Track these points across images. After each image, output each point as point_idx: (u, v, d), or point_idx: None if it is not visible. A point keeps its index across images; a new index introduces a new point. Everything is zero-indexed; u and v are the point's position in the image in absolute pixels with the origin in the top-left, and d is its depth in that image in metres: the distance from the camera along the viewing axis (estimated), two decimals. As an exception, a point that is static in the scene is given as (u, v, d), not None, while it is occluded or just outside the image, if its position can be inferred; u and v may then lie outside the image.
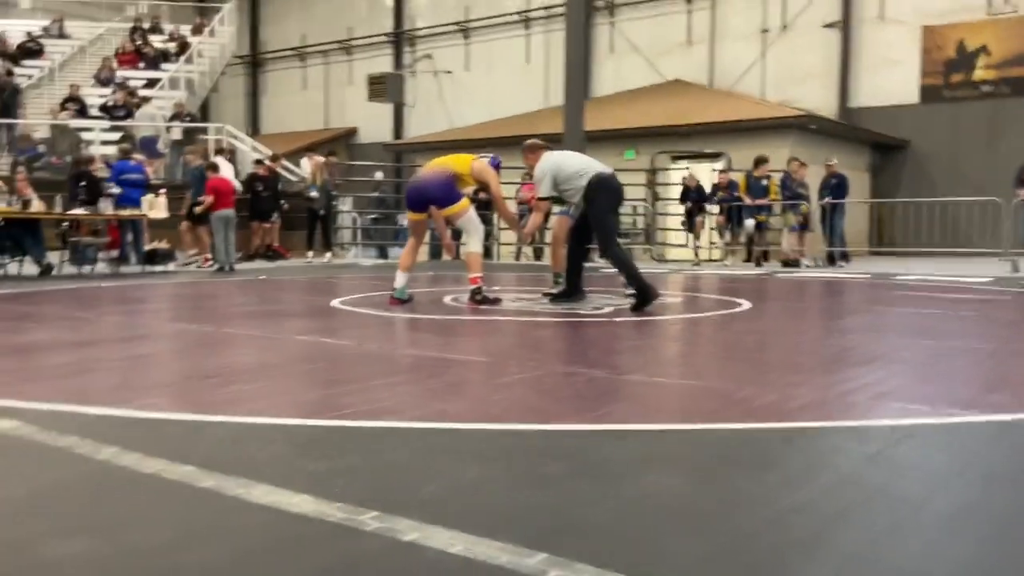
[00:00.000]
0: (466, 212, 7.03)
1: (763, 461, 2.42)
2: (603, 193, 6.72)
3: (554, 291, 7.34)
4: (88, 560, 1.69)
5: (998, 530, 1.88)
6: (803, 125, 17.96)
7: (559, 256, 7.63)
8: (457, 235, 8.79)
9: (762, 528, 1.87)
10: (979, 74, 19.51)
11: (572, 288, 7.00)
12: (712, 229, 15.64)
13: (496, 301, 6.91)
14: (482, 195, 7.88)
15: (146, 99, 17.69)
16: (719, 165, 16.52)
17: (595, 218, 6.75)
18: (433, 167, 7.19)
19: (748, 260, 15.23)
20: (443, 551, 1.72)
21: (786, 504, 2.02)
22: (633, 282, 6.50)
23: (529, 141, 7.36)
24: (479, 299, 6.81)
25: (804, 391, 3.38)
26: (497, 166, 7.26)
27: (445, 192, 7.00)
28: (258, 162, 15.32)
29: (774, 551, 1.74)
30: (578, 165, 6.88)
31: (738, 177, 15.17)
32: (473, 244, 7.13)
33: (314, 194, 14.61)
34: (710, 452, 2.54)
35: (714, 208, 15.36)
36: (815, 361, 4.24)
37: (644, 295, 6.35)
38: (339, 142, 29.23)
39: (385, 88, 26.21)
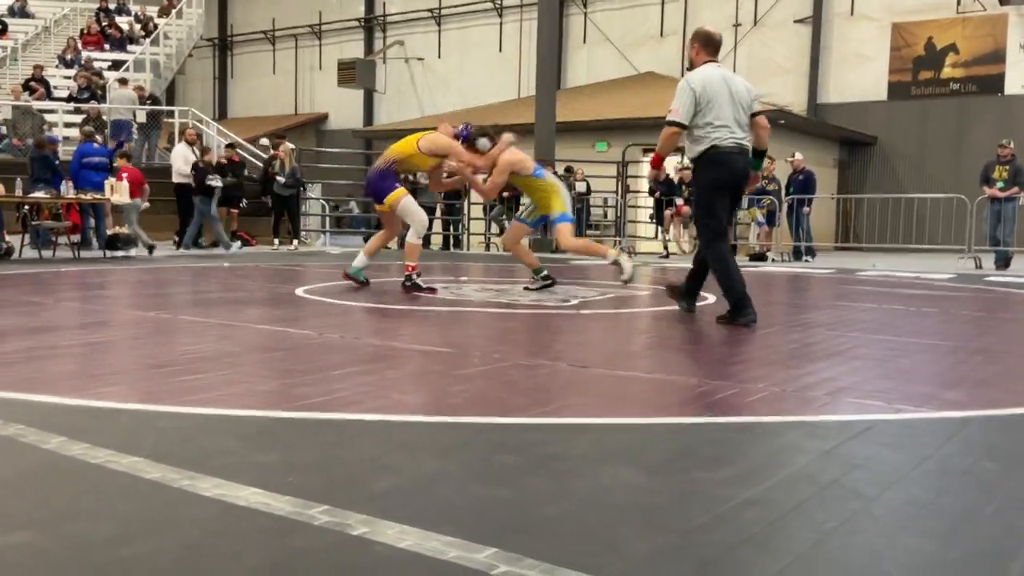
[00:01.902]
0: (400, 201, 6.96)
1: (719, 455, 2.42)
2: (708, 170, 5.32)
3: (533, 286, 7.31)
4: (29, 553, 1.64)
5: (951, 525, 1.89)
6: (771, 120, 18.06)
7: (526, 256, 7.63)
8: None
9: (715, 523, 1.86)
10: (947, 72, 19.74)
11: (685, 296, 5.86)
12: (679, 219, 15.69)
13: (431, 291, 6.95)
14: (447, 180, 7.61)
15: (123, 81, 17.35)
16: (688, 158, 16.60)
17: (695, 201, 5.64)
18: (381, 157, 7.16)
19: (716, 253, 15.31)
20: (392, 546, 1.69)
21: (741, 499, 2.02)
22: (729, 293, 5.32)
23: (704, 29, 5.59)
24: (409, 286, 6.86)
25: (763, 386, 3.39)
26: (467, 137, 7.10)
27: (378, 184, 7.00)
28: (229, 146, 15.15)
29: (727, 546, 1.74)
30: (725, 117, 5.23)
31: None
32: (410, 233, 7.10)
33: (281, 179, 14.47)
34: (667, 446, 2.53)
35: (680, 201, 15.42)
36: (776, 356, 4.25)
37: (739, 310, 5.25)
38: (309, 128, 29.01)
39: (355, 74, 26.03)
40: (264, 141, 15.28)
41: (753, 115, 5.38)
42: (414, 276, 6.94)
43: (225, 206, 14.27)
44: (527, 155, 7.29)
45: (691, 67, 5.43)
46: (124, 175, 11.98)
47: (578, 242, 7.43)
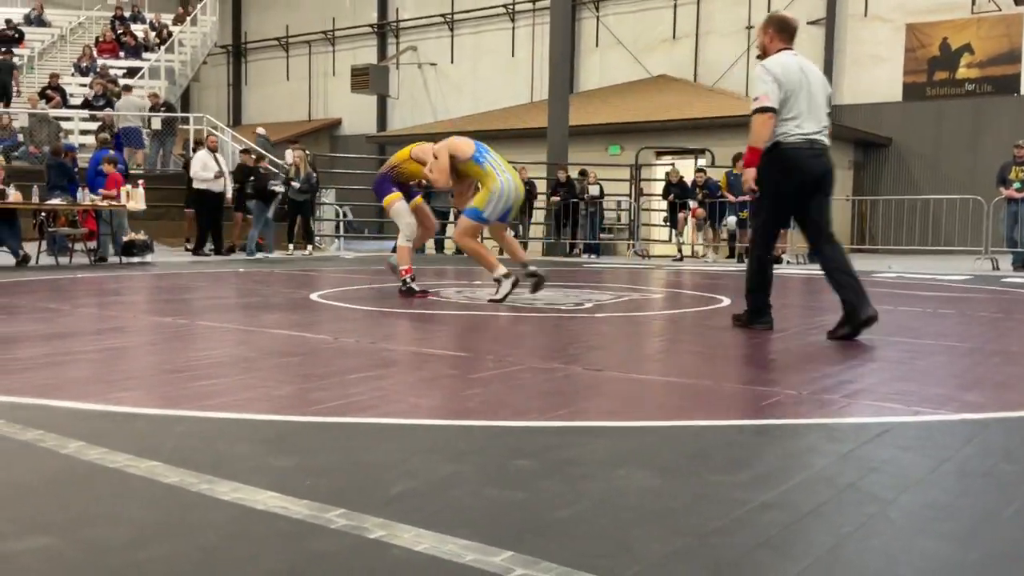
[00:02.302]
0: (393, 205, 7.15)
1: (735, 458, 2.41)
2: (769, 169, 4.84)
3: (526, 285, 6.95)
4: (48, 557, 1.66)
5: (969, 528, 1.88)
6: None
7: (512, 247, 7.30)
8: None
9: (732, 526, 1.86)
10: (962, 72, 19.62)
11: (754, 308, 5.19)
12: (694, 221, 15.66)
13: (424, 294, 7.06)
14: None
15: (127, 88, 17.53)
16: (703, 161, 16.56)
17: (760, 203, 5.09)
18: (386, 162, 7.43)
19: (730, 256, 15.28)
20: (409, 549, 1.69)
21: (757, 502, 2.01)
22: (752, 297, 5.12)
23: (779, 14, 5.23)
24: (404, 290, 6.99)
25: (779, 388, 3.38)
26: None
27: (378, 187, 7.30)
28: (244, 152, 15.23)
29: (743, 549, 1.73)
30: (798, 109, 4.79)
31: (719, 175, 15.20)
32: (400, 237, 7.23)
33: (296, 185, 14.53)
34: (682, 449, 2.52)
35: (694, 204, 15.39)
36: (791, 358, 4.24)
37: (757, 314, 5.10)
38: (323, 133, 29.12)
39: (368, 79, 26.12)
40: (288, 152, 15.37)
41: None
42: (408, 280, 7.03)
43: (242, 211, 14.36)
44: (471, 141, 6.94)
45: (763, 55, 4.97)
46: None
47: (472, 243, 6.85)
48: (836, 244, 4.95)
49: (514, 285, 6.61)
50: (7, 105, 17.36)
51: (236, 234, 14.62)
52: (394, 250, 7.33)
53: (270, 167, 15.80)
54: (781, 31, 4.97)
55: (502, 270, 6.65)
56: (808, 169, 4.79)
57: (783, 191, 4.86)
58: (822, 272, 4.97)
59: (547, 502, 2.00)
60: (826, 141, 4.86)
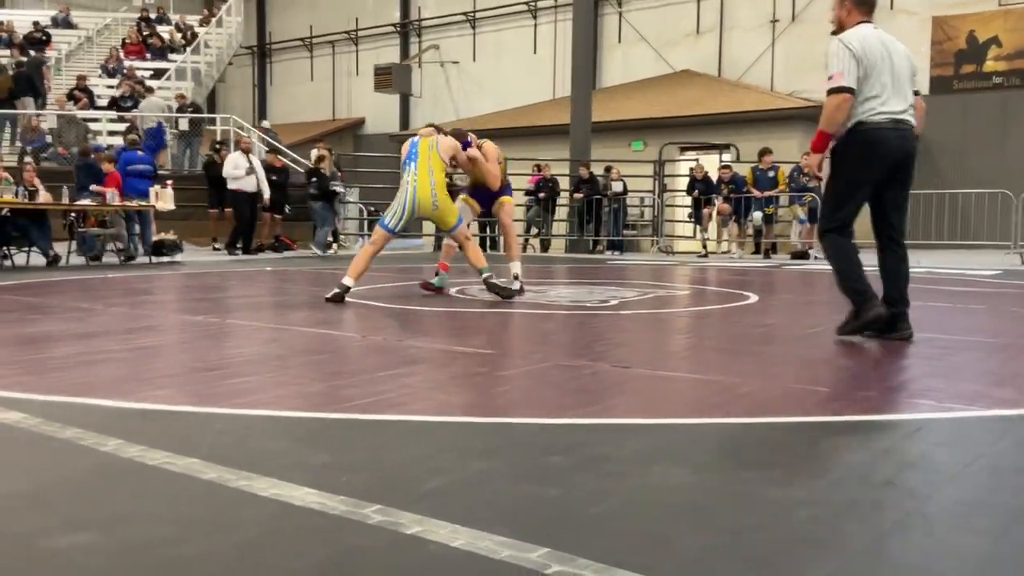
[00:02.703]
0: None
1: (769, 456, 2.41)
2: (850, 150, 4.42)
3: (513, 285, 6.94)
4: (91, 553, 1.69)
5: (1004, 524, 1.87)
6: (811, 116, 17.86)
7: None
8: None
9: (767, 523, 1.86)
10: (990, 65, 19.38)
11: (859, 305, 4.51)
12: (719, 218, 15.58)
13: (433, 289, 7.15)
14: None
15: (150, 89, 17.69)
16: (728, 156, 16.48)
17: (826, 186, 4.62)
18: None
19: (756, 252, 15.19)
20: (445, 545, 1.71)
21: (792, 499, 2.01)
22: (848, 292, 4.52)
23: None
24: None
25: (811, 385, 3.37)
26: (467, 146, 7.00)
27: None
28: (270, 151, 15.34)
29: (779, 546, 1.73)
30: (880, 87, 4.38)
31: (745, 170, 15.11)
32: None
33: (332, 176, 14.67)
34: (715, 446, 2.53)
35: (719, 200, 15.31)
36: (822, 355, 4.22)
37: (859, 314, 4.47)
38: (346, 133, 29.23)
39: (391, 79, 26.20)
40: (315, 151, 15.48)
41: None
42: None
43: (271, 212, 14.49)
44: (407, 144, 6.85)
45: (838, 30, 4.55)
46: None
47: (364, 254, 6.83)
48: (900, 254, 4.59)
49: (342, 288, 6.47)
50: (37, 101, 17.60)
51: (265, 233, 14.74)
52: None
53: (289, 163, 15.93)
54: (860, 3, 4.54)
55: (350, 282, 6.51)
56: (892, 151, 4.37)
57: (862, 178, 4.43)
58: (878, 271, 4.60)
59: (581, 499, 2.01)
60: (912, 121, 4.45)
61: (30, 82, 17.70)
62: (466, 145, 6.96)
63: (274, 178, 14.41)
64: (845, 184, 4.48)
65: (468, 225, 7.19)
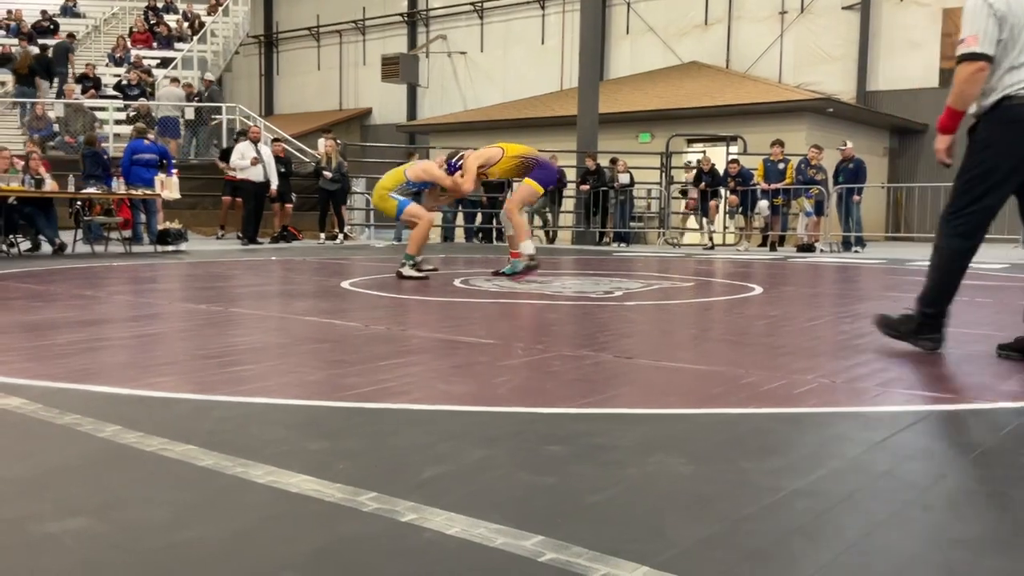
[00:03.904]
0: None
1: (768, 446, 2.40)
2: (994, 131, 3.73)
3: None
4: (86, 537, 1.68)
5: (1001, 515, 1.85)
6: (819, 108, 17.82)
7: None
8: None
9: (765, 513, 1.85)
10: (999, 58, 19.24)
11: (920, 324, 3.97)
12: (726, 212, 15.55)
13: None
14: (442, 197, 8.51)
15: (174, 80, 17.72)
16: (735, 149, 16.42)
17: (959, 173, 3.88)
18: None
19: (763, 245, 15.15)
20: (440, 532, 1.70)
21: (790, 489, 2.00)
22: (927, 301, 3.92)
23: None
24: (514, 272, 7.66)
25: (812, 377, 3.35)
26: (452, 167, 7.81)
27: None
28: (275, 141, 15.34)
29: (776, 535, 1.72)
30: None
31: (756, 162, 15.04)
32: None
33: (328, 174, 14.62)
34: (714, 437, 2.51)
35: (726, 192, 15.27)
36: (825, 347, 4.20)
37: (925, 327, 3.93)
38: (353, 123, 29.23)
39: (399, 69, 26.17)
40: (321, 141, 15.49)
41: None
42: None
43: (279, 202, 14.49)
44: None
45: None
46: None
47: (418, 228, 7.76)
48: None
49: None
50: (52, 85, 17.73)
51: (276, 223, 14.74)
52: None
53: (295, 152, 15.93)
54: None
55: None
56: None
57: (1006, 166, 3.72)
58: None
59: (579, 487, 2.00)
60: None
61: (48, 66, 17.81)
62: (452, 168, 7.76)
63: (282, 169, 14.40)
64: (984, 174, 3.74)
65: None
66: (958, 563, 1.61)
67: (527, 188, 7.75)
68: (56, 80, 18.37)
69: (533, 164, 7.65)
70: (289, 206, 14.79)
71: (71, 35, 20.67)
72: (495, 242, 16.33)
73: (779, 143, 14.59)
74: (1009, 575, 1.58)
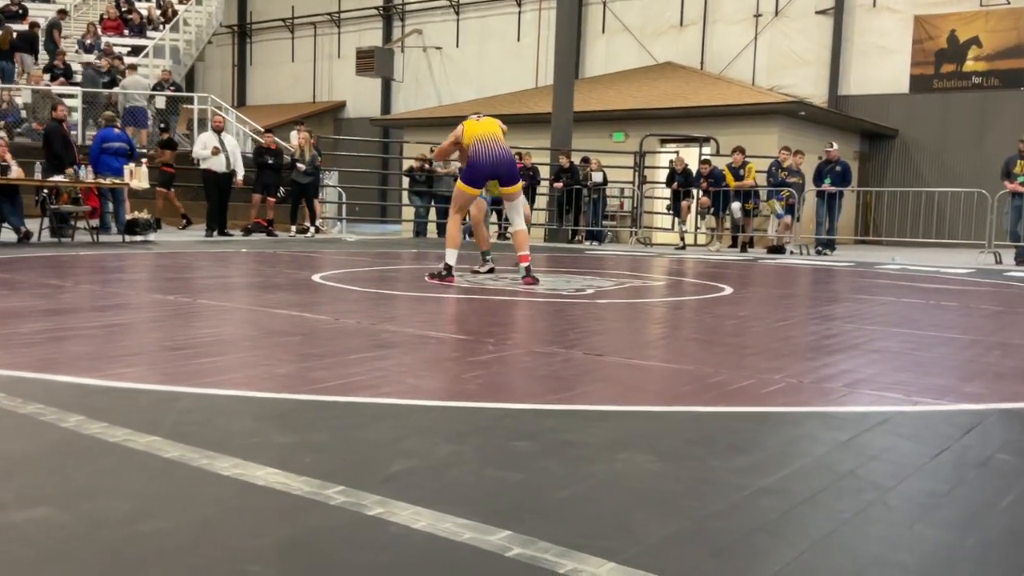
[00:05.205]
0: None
1: (735, 444, 2.41)
2: None
3: (481, 268, 7.87)
4: (48, 528, 1.66)
5: (966, 516, 1.88)
6: (791, 111, 17.96)
7: (481, 236, 8.08)
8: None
9: (731, 510, 1.86)
10: (970, 65, 19.53)
11: None
12: (698, 213, 15.63)
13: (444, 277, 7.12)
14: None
15: (132, 67, 17.49)
16: (708, 150, 16.51)
17: None
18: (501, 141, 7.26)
19: (733, 245, 15.25)
20: (407, 526, 1.70)
21: (756, 487, 2.01)
22: None
23: None
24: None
25: (780, 377, 3.38)
26: None
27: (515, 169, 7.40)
28: (267, 131, 15.19)
29: (742, 533, 1.73)
30: None
31: (723, 164, 15.13)
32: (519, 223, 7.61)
33: (301, 167, 14.52)
34: (682, 434, 2.53)
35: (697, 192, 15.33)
36: (793, 347, 4.23)
37: None
38: (327, 116, 29.04)
39: (374, 62, 26.02)
40: (294, 134, 15.36)
41: None
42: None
43: (262, 193, 14.39)
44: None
45: None
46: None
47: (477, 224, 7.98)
48: None
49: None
50: (36, 61, 17.53)
51: (252, 214, 14.59)
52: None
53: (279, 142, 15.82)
54: None
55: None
56: None
57: None
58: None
59: (546, 483, 2.00)
60: None
61: (31, 42, 17.57)
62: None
63: (270, 161, 14.27)
64: None
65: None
66: (921, 562, 1.63)
67: (456, 191, 7.30)
68: (41, 56, 18.15)
69: (469, 159, 7.12)
70: (272, 200, 14.65)
71: (63, 11, 20.40)
72: (467, 238, 16.30)
73: (740, 149, 14.68)
74: (971, 575, 1.60)
